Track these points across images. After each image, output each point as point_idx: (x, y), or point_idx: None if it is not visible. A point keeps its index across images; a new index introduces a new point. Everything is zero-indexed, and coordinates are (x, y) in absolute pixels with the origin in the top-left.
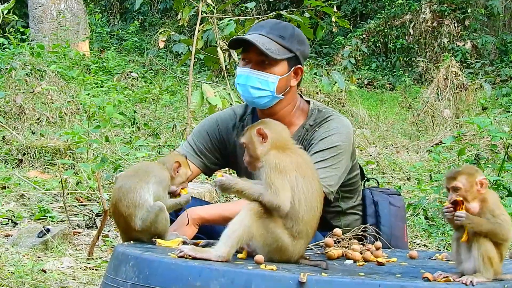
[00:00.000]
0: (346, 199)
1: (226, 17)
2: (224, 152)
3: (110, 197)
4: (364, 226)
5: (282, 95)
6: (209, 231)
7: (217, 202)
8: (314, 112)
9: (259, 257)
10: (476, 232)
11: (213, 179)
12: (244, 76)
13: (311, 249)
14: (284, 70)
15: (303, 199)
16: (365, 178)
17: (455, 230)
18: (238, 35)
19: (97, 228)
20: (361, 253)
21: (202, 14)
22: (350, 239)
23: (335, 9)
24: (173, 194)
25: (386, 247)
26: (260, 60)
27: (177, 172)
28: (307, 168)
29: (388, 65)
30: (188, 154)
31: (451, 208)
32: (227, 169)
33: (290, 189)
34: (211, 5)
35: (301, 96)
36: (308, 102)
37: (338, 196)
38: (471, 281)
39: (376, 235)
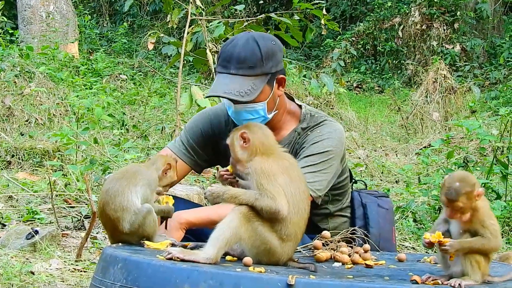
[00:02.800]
0: (334, 202)
1: (215, 19)
2: (216, 149)
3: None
4: (352, 228)
5: (275, 110)
6: (197, 233)
7: (205, 204)
8: (306, 117)
9: (248, 260)
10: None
11: (202, 181)
12: (234, 113)
13: (300, 251)
14: (267, 92)
15: (291, 201)
16: (353, 180)
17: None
18: (209, 93)
19: (85, 230)
20: (349, 256)
21: (191, 16)
22: (338, 241)
23: (324, 11)
24: (158, 195)
25: (375, 249)
26: None
27: (165, 174)
28: (294, 171)
29: (377, 68)
30: (179, 151)
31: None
32: (218, 166)
33: (283, 193)
34: (200, 7)
35: (293, 100)
36: (300, 106)
37: (327, 199)
38: (459, 284)
39: (365, 237)
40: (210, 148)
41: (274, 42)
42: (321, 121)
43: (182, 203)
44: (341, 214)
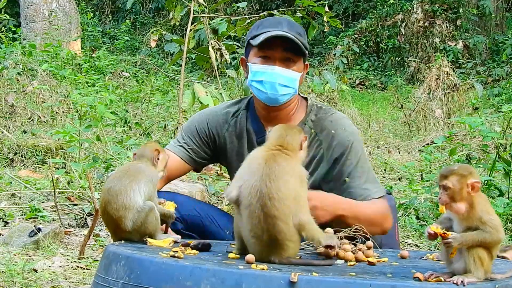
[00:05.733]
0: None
1: (217, 17)
2: (214, 148)
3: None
4: (355, 225)
5: (296, 90)
6: (201, 230)
7: (208, 202)
8: (313, 108)
9: (250, 257)
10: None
11: (205, 178)
12: (269, 73)
13: (303, 248)
14: (301, 67)
15: None
16: None
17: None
18: (270, 33)
19: (88, 227)
20: (352, 253)
21: (193, 14)
22: (341, 238)
23: (326, 8)
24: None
25: (378, 246)
26: (285, 57)
27: (158, 159)
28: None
29: (380, 65)
30: (177, 150)
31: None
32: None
33: None
34: (203, 4)
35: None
36: (306, 98)
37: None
38: (462, 281)
39: (367, 234)
40: (207, 147)
41: None
42: (331, 113)
43: (186, 198)
44: None
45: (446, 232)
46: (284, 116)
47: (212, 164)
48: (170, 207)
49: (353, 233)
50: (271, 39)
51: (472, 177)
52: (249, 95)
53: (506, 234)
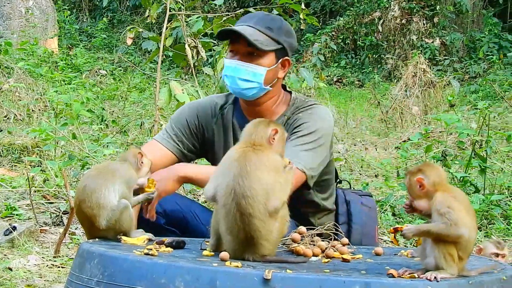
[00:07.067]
0: (321, 196)
1: (194, 14)
2: (202, 140)
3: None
4: (331, 223)
5: (270, 86)
6: (183, 225)
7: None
8: (296, 101)
9: (224, 254)
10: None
11: None
12: (232, 67)
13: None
14: (272, 62)
15: None
16: (339, 180)
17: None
18: (225, 27)
19: (64, 225)
20: (326, 249)
21: (170, 11)
22: (313, 236)
23: (303, 6)
24: (141, 188)
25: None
26: (248, 52)
27: (142, 163)
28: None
29: (357, 62)
30: (165, 141)
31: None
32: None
33: None
34: (180, 2)
35: (284, 88)
36: (290, 92)
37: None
38: (435, 277)
39: (343, 233)
40: (195, 139)
41: (293, 31)
42: (310, 104)
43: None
44: (328, 208)
45: (399, 226)
46: (265, 110)
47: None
48: (149, 183)
49: (325, 231)
50: (236, 33)
51: (419, 174)
52: None
53: (481, 230)
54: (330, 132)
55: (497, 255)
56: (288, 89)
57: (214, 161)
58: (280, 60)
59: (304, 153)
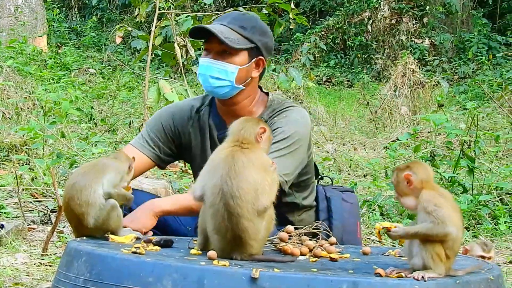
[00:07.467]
0: (301, 195)
1: (183, 13)
2: (178, 144)
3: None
4: (317, 222)
5: (243, 85)
6: (162, 226)
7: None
8: (273, 103)
9: (212, 253)
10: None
11: (169, 175)
12: (204, 66)
13: (265, 244)
14: (244, 61)
15: None
16: (320, 176)
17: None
18: (197, 25)
19: (52, 224)
20: (313, 248)
21: (159, 10)
22: (301, 235)
23: (292, 5)
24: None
25: (338, 242)
26: (220, 50)
27: (130, 168)
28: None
29: (347, 62)
30: (141, 146)
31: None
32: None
33: None
34: (169, 1)
35: (260, 89)
36: (267, 94)
37: (291, 192)
38: (422, 277)
39: (328, 230)
40: (172, 143)
41: (270, 31)
42: (287, 106)
43: (147, 197)
44: (308, 205)
45: (387, 227)
46: (240, 110)
47: (177, 161)
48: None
49: (313, 230)
50: (209, 32)
51: (407, 171)
52: None
53: (469, 230)
54: (306, 135)
55: (483, 257)
56: (264, 90)
57: (192, 165)
58: (254, 60)
59: (279, 159)
